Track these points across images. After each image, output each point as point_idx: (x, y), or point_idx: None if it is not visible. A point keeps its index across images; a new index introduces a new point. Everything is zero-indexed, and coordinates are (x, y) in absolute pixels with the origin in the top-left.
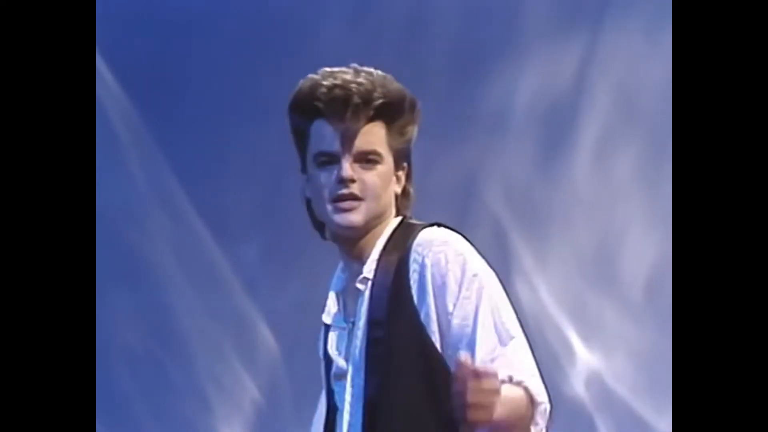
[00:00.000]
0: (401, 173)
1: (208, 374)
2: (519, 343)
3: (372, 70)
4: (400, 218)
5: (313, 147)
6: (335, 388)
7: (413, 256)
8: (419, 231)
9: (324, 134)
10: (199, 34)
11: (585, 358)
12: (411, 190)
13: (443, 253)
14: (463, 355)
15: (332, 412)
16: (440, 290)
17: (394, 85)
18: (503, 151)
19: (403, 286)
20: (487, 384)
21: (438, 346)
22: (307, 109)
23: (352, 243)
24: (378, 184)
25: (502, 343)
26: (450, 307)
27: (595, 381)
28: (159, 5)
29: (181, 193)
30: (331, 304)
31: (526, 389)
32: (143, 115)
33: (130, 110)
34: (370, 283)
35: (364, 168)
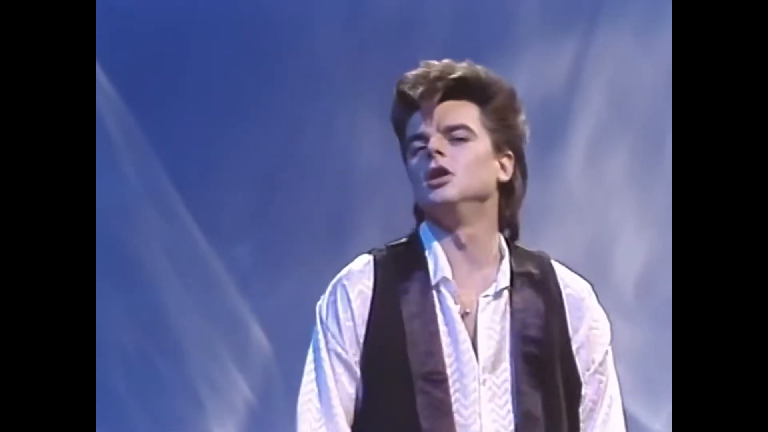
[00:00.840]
0: (506, 161)
1: (201, 374)
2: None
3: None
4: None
5: (407, 137)
6: (444, 362)
7: (569, 295)
8: (548, 260)
9: (415, 120)
10: (192, 35)
11: None
12: (517, 185)
13: (602, 321)
14: None
15: (411, 382)
16: (595, 349)
17: (485, 70)
18: None
19: (557, 314)
20: None
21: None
22: (400, 105)
23: (454, 224)
24: (471, 159)
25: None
26: (600, 370)
27: None
28: (154, 6)
29: (174, 193)
30: (445, 265)
31: None
32: (137, 116)
33: (125, 111)
34: (507, 293)
35: (454, 145)
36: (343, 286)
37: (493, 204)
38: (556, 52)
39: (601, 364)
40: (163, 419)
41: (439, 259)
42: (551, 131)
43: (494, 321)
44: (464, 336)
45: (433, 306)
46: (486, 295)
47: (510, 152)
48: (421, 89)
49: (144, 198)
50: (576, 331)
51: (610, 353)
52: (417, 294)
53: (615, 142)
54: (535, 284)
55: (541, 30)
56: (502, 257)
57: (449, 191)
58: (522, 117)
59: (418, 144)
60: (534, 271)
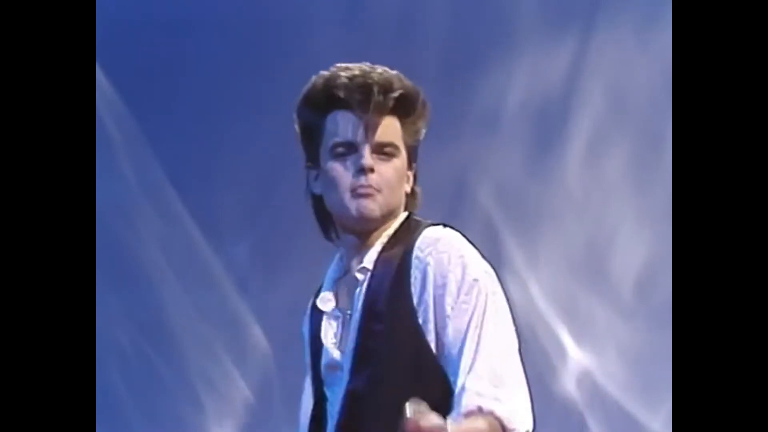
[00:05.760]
0: (410, 173)
1: (199, 373)
2: (504, 358)
3: (384, 67)
4: (406, 214)
5: (329, 138)
6: (326, 378)
7: (416, 252)
8: (424, 228)
9: (343, 124)
10: (191, 35)
11: (576, 356)
12: (418, 191)
13: (446, 254)
14: (409, 411)
15: (321, 401)
16: (440, 291)
17: (409, 81)
18: (495, 150)
19: (403, 282)
20: None
21: (433, 346)
22: (324, 100)
23: (362, 235)
24: (394, 178)
25: (487, 356)
26: (448, 310)
27: (586, 380)
28: (153, 7)
29: (173, 193)
30: (327, 291)
31: (498, 419)
32: (136, 116)
33: (124, 111)
34: (369, 273)
35: (381, 160)
36: None
37: (401, 210)
38: (556, 52)
39: (461, 331)
40: (162, 418)
41: (324, 283)
42: (550, 131)
43: (355, 310)
44: (335, 339)
45: (319, 323)
46: (357, 288)
47: (414, 163)
48: (358, 97)
49: (143, 198)
50: (421, 300)
51: (474, 316)
52: (316, 313)
53: (614, 142)
54: (391, 257)
55: (540, 29)
56: None
57: (374, 207)
58: (426, 127)
59: (342, 150)
60: (398, 244)
